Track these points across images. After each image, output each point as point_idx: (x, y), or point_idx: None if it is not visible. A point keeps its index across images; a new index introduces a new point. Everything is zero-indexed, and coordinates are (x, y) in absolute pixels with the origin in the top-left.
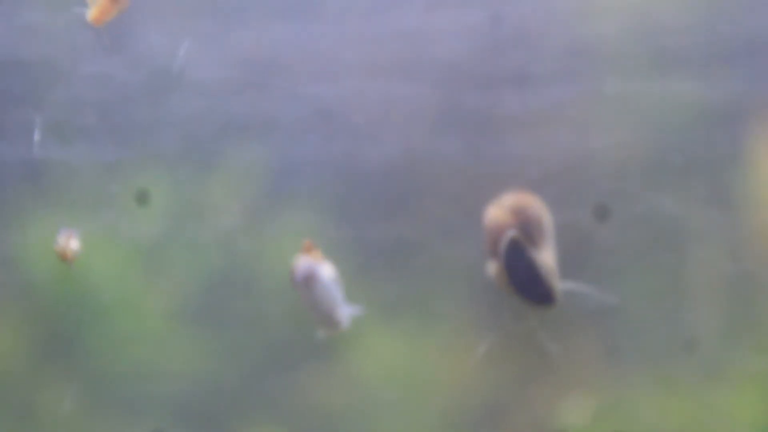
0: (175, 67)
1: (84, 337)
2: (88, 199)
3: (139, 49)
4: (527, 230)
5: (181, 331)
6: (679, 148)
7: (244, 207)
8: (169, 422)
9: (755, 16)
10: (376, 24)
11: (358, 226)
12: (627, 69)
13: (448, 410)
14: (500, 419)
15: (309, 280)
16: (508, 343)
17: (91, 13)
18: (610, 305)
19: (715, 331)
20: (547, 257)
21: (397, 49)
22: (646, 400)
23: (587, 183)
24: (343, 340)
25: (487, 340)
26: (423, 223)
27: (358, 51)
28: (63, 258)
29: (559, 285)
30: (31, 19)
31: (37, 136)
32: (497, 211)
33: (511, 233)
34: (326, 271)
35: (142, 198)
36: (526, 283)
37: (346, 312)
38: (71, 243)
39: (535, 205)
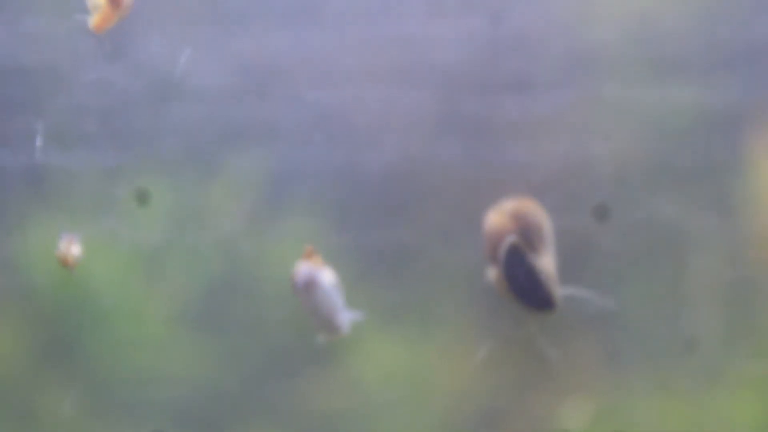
0: (175, 73)
1: (85, 342)
2: (89, 205)
3: (140, 55)
4: (527, 236)
5: (181, 336)
6: (679, 153)
7: (244, 213)
8: (170, 427)
9: (754, 22)
10: (376, 30)
11: (359, 231)
12: (626, 75)
13: (448, 415)
14: (500, 424)
15: (310, 286)
16: (507, 349)
17: (93, 21)
18: (610, 310)
19: (714, 336)
20: (546, 263)
21: (397, 56)
22: (646, 405)
23: (587, 189)
24: (343, 346)
25: (487, 345)
26: (423, 229)
27: (358, 57)
28: (64, 263)
29: (559, 290)
30: (33, 27)
31: (38, 142)
32: (497, 217)
33: (510, 239)
34: (327, 276)
35: (143, 198)
36: (525, 288)
37: (346, 317)
38: (72, 248)
39: (535, 211)
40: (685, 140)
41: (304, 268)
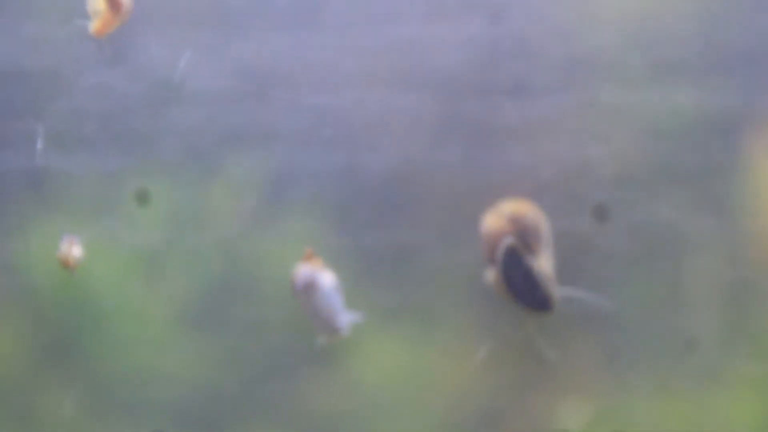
0: (175, 77)
1: (85, 342)
2: (89, 207)
3: (140, 60)
4: (524, 237)
5: (181, 336)
6: (678, 155)
7: (244, 214)
8: (170, 427)
9: (752, 26)
10: (376, 34)
11: (358, 233)
12: (624, 79)
13: (447, 415)
14: (499, 424)
15: (310, 288)
16: (506, 349)
17: (93, 25)
18: (608, 311)
19: (713, 337)
20: (544, 264)
21: (396, 60)
22: (645, 405)
23: (586, 190)
24: (343, 346)
25: (486, 346)
26: (422, 231)
27: (357, 61)
28: (65, 265)
29: (557, 291)
30: (34, 31)
31: (39, 145)
32: (495, 219)
33: (508, 240)
34: (327, 278)
35: (142, 199)
36: (523, 289)
37: (346, 319)
38: (73, 250)
39: (533, 213)
40: (683, 142)
41: (304, 270)
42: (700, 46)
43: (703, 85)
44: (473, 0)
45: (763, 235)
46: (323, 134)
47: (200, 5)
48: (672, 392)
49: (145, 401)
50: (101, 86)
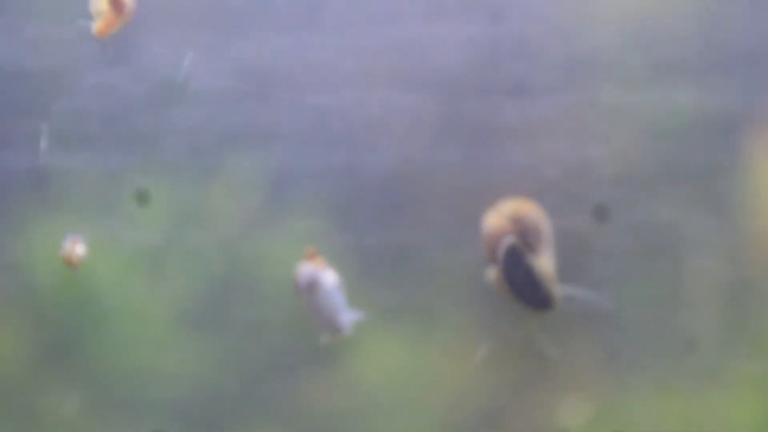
0: (177, 77)
1: (86, 342)
2: (91, 206)
3: (142, 60)
4: (525, 237)
5: (183, 336)
6: (677, 155)
7: (245, 214)
8: (170, 426)
9: (752, 26)
10: (376, 35)
11: (359, 233)
12: (624, 79)
13: (448, 415)
14: (500, 423)
15: (312, 287)
16: (507, 348)
17: (96, 26)
18: (608, 310)
19: (713, 336)
20: (545, 263)
21: (396, 60)
22: (644, 404)
23: (585, 191)
24: (344, 345)
25: (486, 345)
26: (423, 230)
27: (357, 61)
28: (68, 263)
29: (558, 290)
30: (37, 32)
31: (42, 145)
32: (496, 219)
33: (509, 240)
34: (329, 277)
35: (142, 199)
36: (524, 288)
37: (348, 318)
38: (77, 248)
39: (533, 212)
40: (683, 142)
41: (306, 269)
42: (700, 46)
43: (703, 84)
44: (473, 0)
45: (763, 234)
46: (324, 134)
47: (201, 6)
48: (672, 391)
49: (145, 400)
50: (103, 86)
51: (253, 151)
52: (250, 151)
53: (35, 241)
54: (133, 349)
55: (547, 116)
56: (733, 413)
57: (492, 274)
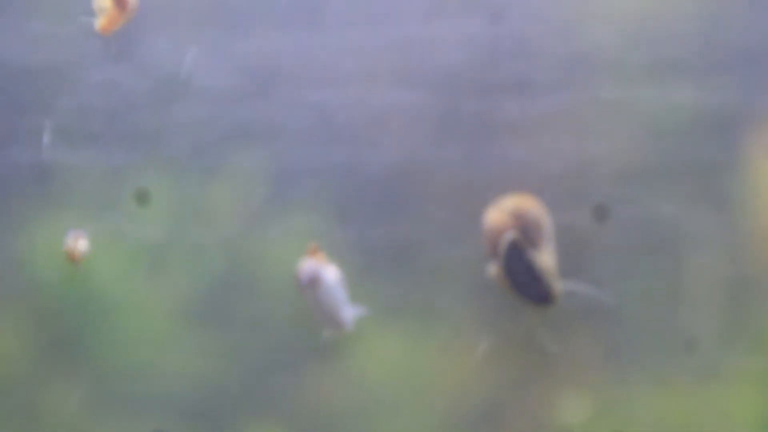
0: (180, 74)
1: (89, 338)
2: (95, 203)
3: (145, 57)
4: (526, 232)
5: (185, 332)
6: (677, 152)
7: (248, 210)
8: (173, 422)
9: (751, 24)
10: (377, 33)
11: (361, 229)
12: (624, 76)
13: (449, 410)
14: (501, 418)
15: (314, 283)
16: (508, 344)
17: (99, 23)
18: (609, 306)
19: (713, 332)
20: (546, 258)
21: (397, 58)
22: (645, 400)
23: (586, 188)
24: (346, 341)
25: (487, 340)
26: (424, 226)
27: (359, 59)
28: (71, 258)
29: (559, 285)
30: (40, 29)
31: (46, 141)
32: (497, 214)
33: (510, 235)
34: (331, 273)
35: (142, 198)
36: (525, 283)
37: (350, 313)
38: (79, 244)
39: (534, 208)
40: (683, 139)
41: (308, 264)
42: (700, 44)
43: (703, 83)
44: None
45: (763, 231)
46: (326, 131)
47: (204, 3)
48: (672, 387)
49: (147, 396)
50: (106, 83)
51: (256, 148)
52: (252, 148)
53: (38, 237)
54: (135, 345)
55: (548, 114)
56: (733, 409)
57: (493, 269)
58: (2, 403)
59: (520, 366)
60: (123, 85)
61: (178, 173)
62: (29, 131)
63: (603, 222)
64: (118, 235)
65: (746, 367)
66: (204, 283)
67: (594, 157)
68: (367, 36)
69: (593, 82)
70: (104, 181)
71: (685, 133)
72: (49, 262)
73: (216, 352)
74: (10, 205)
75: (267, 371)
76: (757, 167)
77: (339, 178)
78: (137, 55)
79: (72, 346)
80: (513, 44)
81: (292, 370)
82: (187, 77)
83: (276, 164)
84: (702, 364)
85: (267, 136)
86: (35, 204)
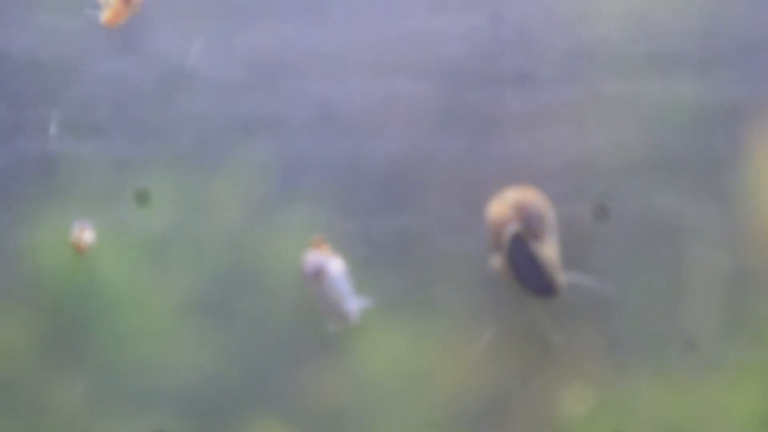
0: (186, 66)
1: (93, 331)
2: (100, 194)
3: (151, 49)
4: (529, 224)
5: (189, 325)
6: (678, 145)
7: (252, 202)
8: (175, 415)
9: (752, 18)
10: (381, 26)
11: (365, 220)
12: (626, 70)
13: (453, 402)
14: (504, 409)
15: (319, 275)
16: (511, 335)
17: (105, 15)
18: (612, 298)
19: (714, 325)
20: (549, 250)
21: (401, 50)
22: (646, 391)
23: (588, 180)
24: (349, 334)
25: (491, 332)
26: (427, 218)
27: (363, 52)
28: (77, 249)
29: (562, 277)
30: (46, 22)
31: (52, 132)
32: (500, 207)
33: (513, 228)
34: (335, 265)
35: (142, 198)
36: (528, 275)
37: (355, 305)
38: (85, 235)
39: (537, 200)
40: (685, 133)
41: (313, 257)
42: (702, 38)
43: (705, 76)
44: None
45: (764, 224)
46: (330, 123)
47: None
48: (673, 379)
49: (150, 390)
50: (112, 75)
51: (260, 139)
52: (256, 139)
53: (44, 228)
54: (138, 339)
55: (550, 106)
56: (733, 401)
57: (496, 261)
58: (6, 394)
59: (523, 358)
60: (128, 77)
61: (182, 164)
62: (35, 123)
63: (605, 215)
64: (123, 227)
65: (747, 359)
66: (208, 275)
67: (596, 149)
68: (371, 29)
69: (595, 76)
70: (109, 173)
71: (687, 126)
72: (55, 253)
73: (219, 346)
74: (16, 196)
75: (270, 365)
76: (759, 160)
77: (343, 170)
78: (142, 48)
79: (76, 337)
80: (515, 37)
81: (295, 363)
82: (192, 69)
83: (280, 156)
84: (702, 357)
85: (271, 127)
86: (41, 195)
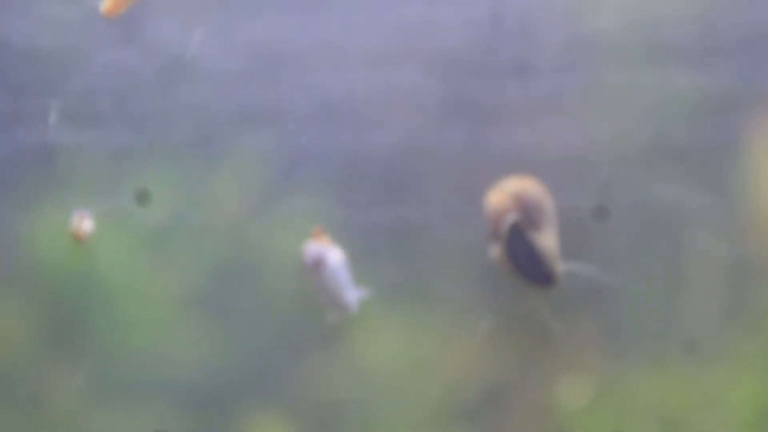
0: (186, 57)
1: (93, 321)
2: (100, 184)
3: (151, 39)
4: (528, 214)
5: (188, 316)
6: (678, 136)
7: (252, 193)
8: (175, 406)
9: (751, 8)
10: (381, 17)
11: (364, 211)
12: (625, 60)
13: (451, 391)
14: (502, 398)
15: (318, 265)
16: (510, 324)
17: (105, 6)
18: (610, 287)
19: (713, 315)
20: (547, 240)
21: (401, 41)
22: (644, 380)
23: (587, 171)
24: (349, 324)
25: (489, 321)
26: (427, 209)
27: (363, 43)
28: (77, 238)
29: (560, 266)
30: (47, 11)
31: (52, 122)
32: (499, 197)
33: (511, 217)
34: (335, 255)
35: (142, 197)
36: (527, 265)
37: (354, 296)
38: (84, 224)
39: (536, 190)
40: (684, 123)
41: (313, 247)
42: (700, 28)
43: (704, 66)
44: None
45: (763, 215)
46: (330, 114)
47: None
48: (672, 368)
49: (149, 381)
50: (113, 65)
51: (260, 130)
52: (257, 130)
53: (43, 218)
54: (138, 329)
55: (550, 96)
56: (732, 392)
57: (495, 251)
58: (6, 384)
59: (522, 347)
60: (128, 67)
61: (182, 155)
62: (35, 113)
63: (604, 206)
64: (123, 217)
65: (746, 350)
66: (208, 265)
67: (595, 140)
68: (371, 19)
69: (595, 66)
70: (109, 163)
71: (687, 117)
72: (54, 242)
73: (219, 337)
74: (16, 185)
75: (269, 356)
76: (759, 151)
77: (343, 161)
78: (142, 38)
79: (75, 327)
80: (515, 28)
81: (294, 355)
82: (192, 60)
83: (280, 147)
84: (702, 347)
85: (271, 119)
86: (40, 185)
